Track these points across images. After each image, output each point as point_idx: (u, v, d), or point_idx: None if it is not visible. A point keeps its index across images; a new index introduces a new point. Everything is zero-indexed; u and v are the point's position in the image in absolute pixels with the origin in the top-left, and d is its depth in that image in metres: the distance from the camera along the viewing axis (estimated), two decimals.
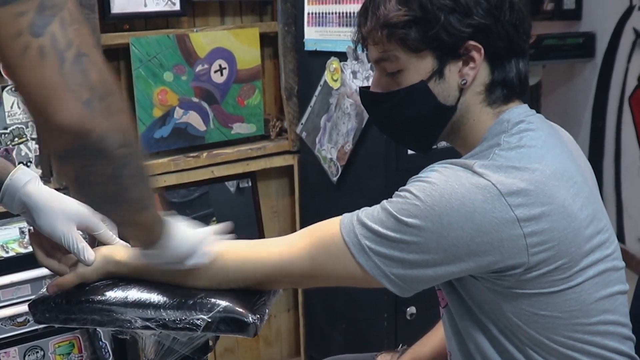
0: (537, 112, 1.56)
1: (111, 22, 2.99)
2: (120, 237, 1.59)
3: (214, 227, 1.53)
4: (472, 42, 1.46)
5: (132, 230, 1.40)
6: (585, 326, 1.44)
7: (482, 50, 1.46)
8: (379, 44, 1.50)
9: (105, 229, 1.55)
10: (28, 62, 1.02)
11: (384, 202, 1.42)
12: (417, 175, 1.44)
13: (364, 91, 1.61)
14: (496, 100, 1.51)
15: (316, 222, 1.52)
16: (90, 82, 1.05)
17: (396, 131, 1.63)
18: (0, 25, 1.01)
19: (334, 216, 1.49)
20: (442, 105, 1.50)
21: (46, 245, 1.53)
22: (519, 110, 1.51)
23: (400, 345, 2.05)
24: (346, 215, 1.46)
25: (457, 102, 1.51)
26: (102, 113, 1.07)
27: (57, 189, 2.69)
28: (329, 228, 1.46)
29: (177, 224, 1.44)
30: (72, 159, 1.12)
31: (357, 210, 1.45)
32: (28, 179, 1.49)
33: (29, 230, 1.58)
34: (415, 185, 1.40)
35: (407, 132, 1.61)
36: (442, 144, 1.64)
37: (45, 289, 1.53)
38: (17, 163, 2.77)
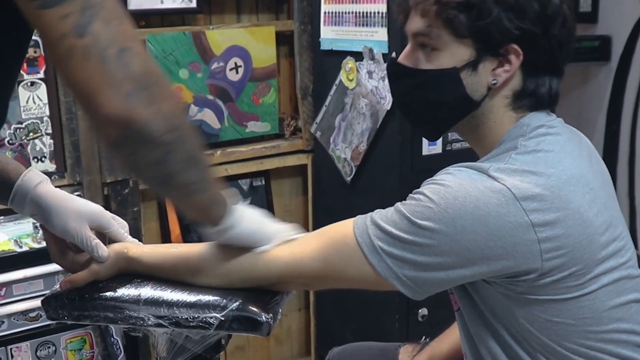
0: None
1: None
2: (132, 235, 1.59)
3: (285, 226, 1.54)
4: (514, 46, 1.44)
5: (188, 211, 1.42)
6: (598, 334, 1.43)
7: (521, 57, 1.45)
8: (425, 17, 1.47)
9: (117, 226, 1.56)
10: (74, 63, 1.08)
11: (398, 204, 1.42)
12: (431, 178, 1.43)
13: (392, 62, 1.58)
14: (521, 106, 1.50)
15: (329, 222, 1.51)
16: (132, 75, 1.10)
17: (413, 110, 1.60)
18: (46, 27, 1.07)
19: (347, 216, 1.49)
20: (468, 97, 1.49)
21: (59, 242, 1.53)
22: (540, 115, 1.50)
23: (424, 337, 2.04)
24: (360, 216, 1.45)
25: (482, 100, 1.49)
26: (144, 102, 1.11)
27: (71, 184, 2.71)
28: (342, 229, 1.46)
29: (248, 210, 1.46)
30: (120, 148, 1.16)
31: (371, 212, 1.45)
32: (39, 181, 1.50)
33: (40, 226, 1.58)
34: (429, 188, 1.39)
35: (424, 114, 1.58)
36: (459, 145, 1.63)
37: (57, 285, 1.54)
38: (31, 158, 2.78)
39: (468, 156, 1.57)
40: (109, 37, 1.08)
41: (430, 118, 1.58)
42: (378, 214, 1.43)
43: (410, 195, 1.42)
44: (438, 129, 1.59)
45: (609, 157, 4.54)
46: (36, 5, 1.06)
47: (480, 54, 1.46)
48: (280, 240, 1.48)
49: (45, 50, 1.11)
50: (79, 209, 1.50)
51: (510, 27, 1.42)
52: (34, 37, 2.70)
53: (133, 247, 1.53)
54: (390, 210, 1.42)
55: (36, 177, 1.51)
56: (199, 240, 2.32)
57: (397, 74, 1.57)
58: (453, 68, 1.47)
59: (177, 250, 1.54)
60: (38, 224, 2.37)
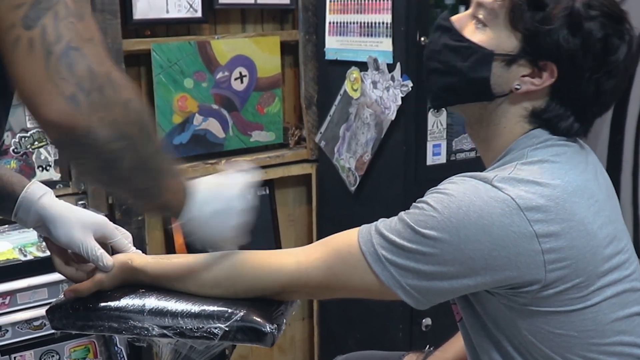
0: None
1: (133, 28, 2.99)
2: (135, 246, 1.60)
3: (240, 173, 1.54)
4: (553, 65, 1.43)
5: (142, 211, 1.41)
6: (600, 346, 1.42)
7: (554, 79, 1.43)
8: None
9: (121, 237, 1.56)
10: (18, 54, 1.04)
11: (402, 213, 1.42)
12: (435, 187, 1.43)
13: (446, 17, 1.55)
14: (535, 123, 1.49)
15: (333, 231, 1.51)
16: (76, 76, 1.05)
17: (435, 66, 1.56)
18: None
19: (351, 226, 1.49)
20: (489, 86, 1.47)
21: (63, 253, 1.54)
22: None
23: (427, 346, 2.04)
24: (364, 226, 1.45)
25: (499, 97, 1.48)
26: (87, 107, 1.06)
27: (76, 193, 2.71)
28: (347, 239, 1.46)
29: (207, 192, 1.41)
30: (63, 149, 1.14)
31: (375, 222, 1.45)
32: (43, 193, 1.51)
33: (43, 238, 1.58)
34: (433, 197, 1.39)
35: (442, 75, 1.55)
36: (463, 155, 1.62)
37: (62, 295, 1.54)
38: (36, 167, 2.78)
39: (472, 167, 1.57)
40: (58, 33, 1.05)
41: (445, 83, 1.55)
42: (382, 224, 1.43)
43: (414, 204, 1.42)
44: (446, 99, 1.57)
45: (613, 167, 4.53)
46: None
47: (521, 53, 1.44)
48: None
49: None
50: (83, 220, 1.50)
51: (562, 46, 1.41)
52: None
53: (137, 258, 1.53)
54: (394, 220, 1.42)
55: (40, 189, 1.51)
56: (203, 249, 2.31)
57: (442, 28, 1.55)
58: (490, 51, 1.46)
59: (181, 260, 1.54)
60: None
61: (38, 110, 1.05)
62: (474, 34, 1.49)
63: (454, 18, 1.54)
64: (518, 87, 1.46)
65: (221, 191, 1.44)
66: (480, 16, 1.48)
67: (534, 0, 1.42)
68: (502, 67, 1.46)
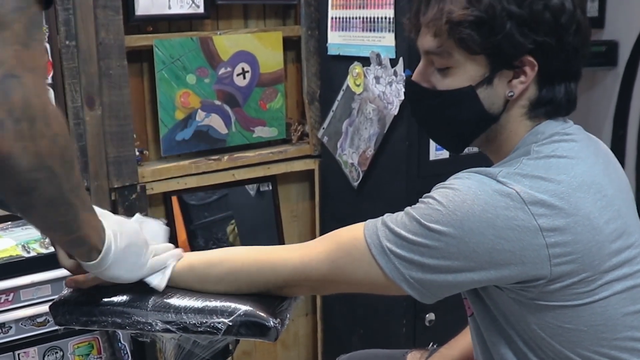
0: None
1: (135, 24, 2.99)
2: None
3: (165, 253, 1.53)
4: (529, 57, 1.43)
5: (53, 241, 1.42)
6: (611, 341, 1.42)
7: (537, 68, 1.44)
8: (436, 36, 1.47)
9: None
10: None
11: (408, 208, 1.42)
12: (441, 183, 1.43)
13: (410, 82, 1.57)
14: (538, 115, 1.50)
15: (336, 227, 1.51)
16: (9, 103, 1.05)
17: (434, 128, 1.61)
18: None
19: (354, 221, 1.49)
20: (487, 112, 1.49)
21: None
22: (555, 123, 1.49)
23: (431, 343, 2.04)
24: (371, 220, 1.45)
25: (501, 113, 1.49)
26: (13, 135, 1.06)
27: None
28: (352, 232, 1.46)
29: (124, 253, 1.43)
30: None
31: (382, 216, 1.45)
32: None
33: None
34: (438, 192, 1.40)
35: (445, 132, 1.59)
36: (467, 150, 1.62)
37: (65, 290, 1.54)
38: None
39: (476, 161, 1.57)
40: (0, 58, 1.04)
41: (451, 135, 1.59)
42: (388, 217, 1.43)
43: (420, 199, 1.42)
44: (461, 144, 1.59)
45: None
46: None
47: (494, 68, 1.46)
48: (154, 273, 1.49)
49: None
50: None
51: (523, 41, 1.42)
52: None
53: None
54: (400, 214, 1.42)
55: None
56: (206, 245, 2.29)
57: (414, 94, 1.58)
58: (469, 87, 1.47)
59: (184, 257, 1.54)
60: None
61: None
62: (444, 81, 1.50)
63: (417, 77, 1.55)
64: (511, 93, 1.47)
65: (124, 226, 1.46)
66: (438, 64, 1.50)
67: (473, 22, 1.42)
68: (486, 90, 1.48)
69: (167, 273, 1.49)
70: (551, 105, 1.49)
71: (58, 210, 1.23)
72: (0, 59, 1.04)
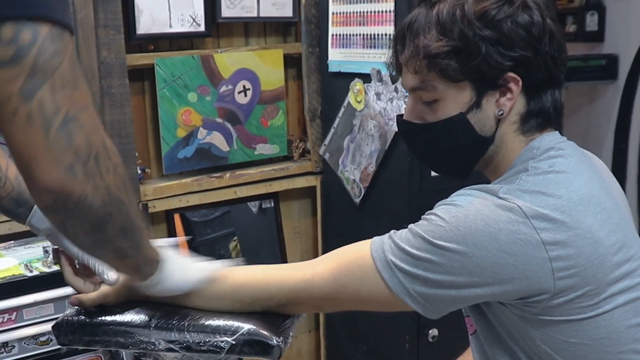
0: (560, 134, 1.55)
1: (136, 42, 3.01)
2: None
3: (218, 263, 1.54)
4: (511, 74, 1.45)
5: (117, 269, 1.43)
6: (615, 354, 1.42)
7: (520, 82, 1.45)
8: (417, 73, 1.49)
9: None
10: (16, 126, 1.04)
11: (411, 225, 1.42)
12: (443, 200, 1.44)
13: (401, 121, 1.59)
14: (530, 129, 1.51)
15: (339, 243, 1.52)
16: (74, 146, 1.06)
17: (433, 161, 1.63)
18: None
19: (356, 237, 1.49)
20: (481, 136, 1.50)
21: (73, 264, 1.55)
22: (550, 138, 1.50)
23: None
24: (378, 236, 1.46)
25: (494, 133, 1.50)
26: (84, 176, 1.08)
27: None
28: (356, 249, 1.46)
29: (176, 261, 1.46)
30: (54, 214, 1.13)
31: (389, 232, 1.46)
32: None
33: (53, 248, 1.59)
34: (440, 209, 1.40)
35: (445, 162, 1.60)
36: None
37: (68, 309, 1.54)
38: None
39: (476, 178, 1.58)
40: (55, 105, 1.05)
41: (451, 164, 1.60)
42: (395, 233, 1.44)
43: (423, 216, 1.43)
44: (465, 171, 1.59)
45: (618, 175, 4.51)
46: None
47: (480, 91, 1.47)
48: (203, 280, 1.50)
49: None
50: None
51: (502, 60, 1.43)
52: None
53: None
54: (404, 230, 1.43)
55: None
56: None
57: (408, 132, 1.59)
58: (459, 114, 1.48)
59: None
60: (48, 249, 2.39)
61: (35, 177, 1.07)
62: (435, 113, 1.51)
63: (407, 116, 1.56)
64: (501, 112, 1.49)
65: (182, 270, 1.49)
66: (425, 98, 1.51)
67: (449, 52, 1.44)
68: (476, 114, 1.49)
69: (218, 264, 1.53)
70: (541, 115, 1.51)
71: (128, 237, 1.25)
72: (56, 106, 1.05)
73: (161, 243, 1.49)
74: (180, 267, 1.47)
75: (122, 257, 1.30)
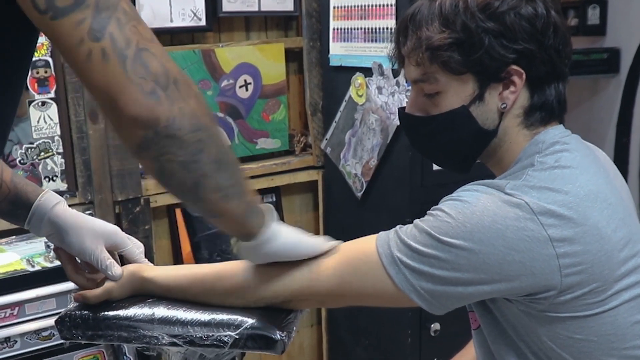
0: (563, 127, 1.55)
1: None
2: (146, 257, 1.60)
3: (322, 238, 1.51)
4: (514, 67, 1.44)
5: (220, 222, 1.39)
6: (621, 350, 1.41)
7: (524, 75, 1.44)
8: (420, 65, 1.48)
9: (132, 246, 1.57)
10: (94, 66, 1.09)
11: (417, 220, 1.41)
12: (449, 195, 1.43)
13: (402, 114, 1.59)
14: (534, 122, 1.50)
15: (340, 237, 1.51)
16: (152, 73, 1.11)
17: (435, 154, 1.62)
18: (63, 35, 1.08)
19: (358, 232, 1.49)
20: (483, 129, 1.49)
21: (73, 261, 1.55)
22: (554, 132, 1.49)
23: (435, 359, 2.03)
24: (384, 231, 1.45)
25: (497, 126, 1.49)
26: (167, 100, 1.12)
27: (82, 203, 2.71)
28: (361, 246, 1.46)
29: (281, 225, 1.44)
30: (147, 150, 1.15)
31: (395, 227, 1.45)
32: (56, 202, 1.52)
33: (54, 247, 1.59)
34: (446, 204, 1.39)
35: (447, 155, 1.59)
36: None
37: (70, 304, 1.54)
38: (43, 177, 2.79)
39: (479, 171, 1.58)
40: (125, 38, 1.09)
41: (453, 157, 1.59)
42: (401, 229, 1.43)
43: (428, 212, 1.42)
44: (466, 164, 1.59)
45: (619, 169, 4.51)
46: (49, 17, 1.07)
47: (482, 84, 1.46)
48: (324, 249, 1.47)
49: (65, 58, 1.11)
50: (95, 229, 1.51)
51: (504, 53, 1.42)
52: (43, 58, 2.73)
53: (147, 268, 1.54)
54: (409, 226, 1.42)
55: (53, 199, 1.52)
56: (210, 257, 2.29)
57: (411, 125, 1.58)
58: (462, 107, 1.48)
59: (191, 271, 1.54)
60: (50, 244, 2.39)
61: (122, 110, 1.10)
62: (437, 106, 1.51)
63: (409, 109, 1.56)
64: (504, 105, 1.48)
65: (294, 233, 1.46)
66: (427, 90, 1.50)
67: (452, 44, 1.44)
68: (479, 107, 1.48)
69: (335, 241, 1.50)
70: (545, 109, 1.50)
71: (227, 171, 1.26)
72: (126, 39, 1.09)
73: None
74: (290, 231, 1.45)
75: (225, 198, 1.28)
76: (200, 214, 1.42)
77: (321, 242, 1.47)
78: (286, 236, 1.43)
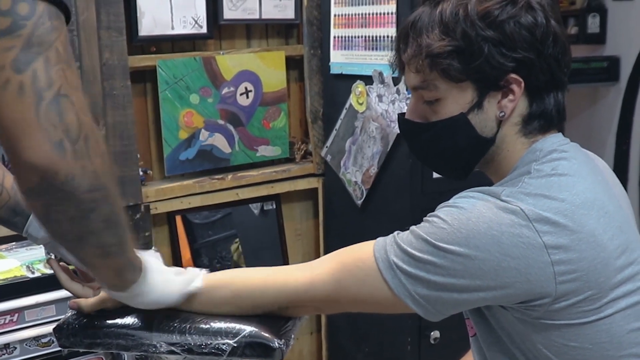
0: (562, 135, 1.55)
1: (139, 44, 3.01)
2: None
3: (196, 275, 1.51)
4: (513, 75, 1.44)
5: (93, 272, 1.39)
6: (616, 358, 1.41)
7: (523, 84, 1.44)
8: (419, 72, 1.48)
9: None
10: (7, 97, 1.02)
11: (413, 227, 1.42)
12: (445, 202, 1.43)
13: (402, 119, 1.59)
14: (532, 131, 1.50)
15: (340, 245, 1.51)
16: (65, 123, 1.05)
17: (433, 160, 1.62)
18: None
19: (358, 239, 1.49)
20: (481, 136, 1.49)
21: (68, 270, 1.55)
22: (552, 140, 1.49)
23: None
24: (381, 237, 1.46)
25: (495, 134, 1.49)
26: (73, 155, 1.06)
27: None
28: (357, 251, 1.46)
29: (159, 271, 1.43)
30: (38, 197, 1.09)
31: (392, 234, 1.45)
32: None
33: (47, 258, 1.59)
34: (443, 211, 1.39)
35: (445, 162, 1.59)
36: None
37: (69, 311, 1.54)
38: None
39: (478, 178, 1.58)
40: (49, 78, 1.04)
41: (451, 164, 1.59)
42: (398, 235, 1.43)
43: (425, 218, 1.42)
44: (464, 171, 1.59)
45: (619, 177, 4.50)
46: None
47: (481, 92, 1.46)
48: (185, 295, 1.47)
49: None
50: None
51: (504, 61, 1.42)
52: None
53: None
54: (406, 232, 1.42)
55: None
56: (210, 264, 2.28)
57: (410, 131, 1.58)
58: (460, 114, 1.48)
59: None
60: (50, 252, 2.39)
61: (22, 153, 1.04)
62: (436, 112, 1.51)
63: (409, 115, 1.56)
64: (502, 114, 1.48)
65: (162, 281, 1.45)
66: (427, 97, 1.51)
67: (452, 51, 1.44)
68: (478, 114, 1.48)
69: (201, 276, 1.50)
70: (543, 118, 1.49)
71: (113, 231, 1.22)
72: (49, 80, 1.04)
73: (143, 253, 1.46)
74: (163, 278, 1.44)
75: (105, 255, 1.26)
76: (74, 260, 1.44)
77: (179, 290, 1.47)
78: (155, 290, 1.42)
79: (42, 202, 1.11)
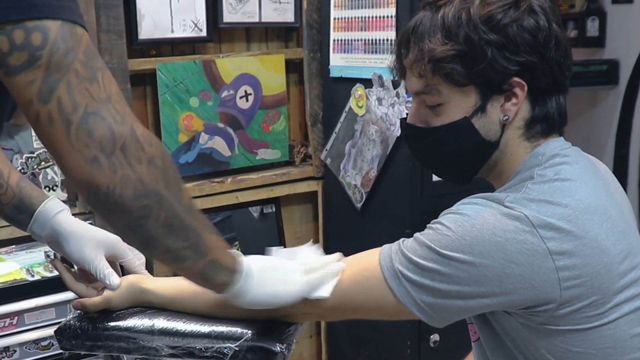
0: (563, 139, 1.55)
1: (138, 47, 3.01)
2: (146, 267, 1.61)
3: (322, 260, 1.48)
4: (516, 79, 1.44)
5: (184, 276, 1.40)
6: None
7: (526, 87, 1.44)
8: (422, 77, 1.48)
9: (132, 257, 1.57)
10: (41, 127, 1.08)
11: (417, 234, 1.41)
12: (448, 209, 1.42)
13: (405, 124, 1.58)
14: (535, 134, 1.50)
15: (339, 248, 1.51)
16: (97, 140, 1.08)
17: (437, 165, 1.61)
18: (18, 90, 1.07)
19: (357, 243, 1.48)
20: (485, 140, 1.49)
21: (71, 270, 1.55)
22: (554, 144, 1.49)
23: None
24: (387, 244, 1.45)
25: (499, 138, 1.49)
26: (109, 167, 1.09)
27: (82, 213, 2.72)
28: (363, 260, 1.46)
29: (270, 269, 1.42)
30: (94, 208, 1.17)
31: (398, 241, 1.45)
32: (59, 210, 1.54)
33: (50, 259, 1.60)
34: (446, 218, 1.39)
35: (449, 166, 1.59)
36: None
37: (70, 314, 1.54)
38: (43, 187, 2.79)
39: (478, 182, 1.57)
40: (73, 102, 1.07)
41: (454, 169, 1.59)
42: (404, 242, 1.43)
43: (428, 225, 1.42)
44: (466, 176, 1.58)
45: (619, 181, 4.51)
46: (3, 72, 1.06)
47: (485, 96, 1.46)
48: (305, 296, 1.44)
49: (21, 110, 1.11)
50: (96, 238, 1.53)
51: (507, 65, 1.42)
52: None
53: (147, 279, 1.54)
54: (410, 240, 1.42)
55: (57, 206, 1.54)
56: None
57: (412, 136, 1.58)
58: (464, 118, 1.47)
59: (191, 283, 1.54)
60: (50, 253, 2.39)
61: (67, 173, 1.10)
62: (439, 117, 1.50)
63: (411, 119, 1.55)
64: (506, 117, 1.47)
65: (273, 279, 1.42)
66: (429, 102, 1.50)
67: (455, 56, 1.44)
68: (481, 118, 1.48)
69: (333, 282, 1.45)
70: (545, 121, 1.49)
71: (178, 235, 1.23)
72: (73, 104, 1.07)
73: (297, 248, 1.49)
74: (276, 276, 1.42)
75: (178, 260, 1.28)
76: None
77: (299, 291, 1.44)
78: (256, 291, 1.39)
79: (99, 213, 1.17)
